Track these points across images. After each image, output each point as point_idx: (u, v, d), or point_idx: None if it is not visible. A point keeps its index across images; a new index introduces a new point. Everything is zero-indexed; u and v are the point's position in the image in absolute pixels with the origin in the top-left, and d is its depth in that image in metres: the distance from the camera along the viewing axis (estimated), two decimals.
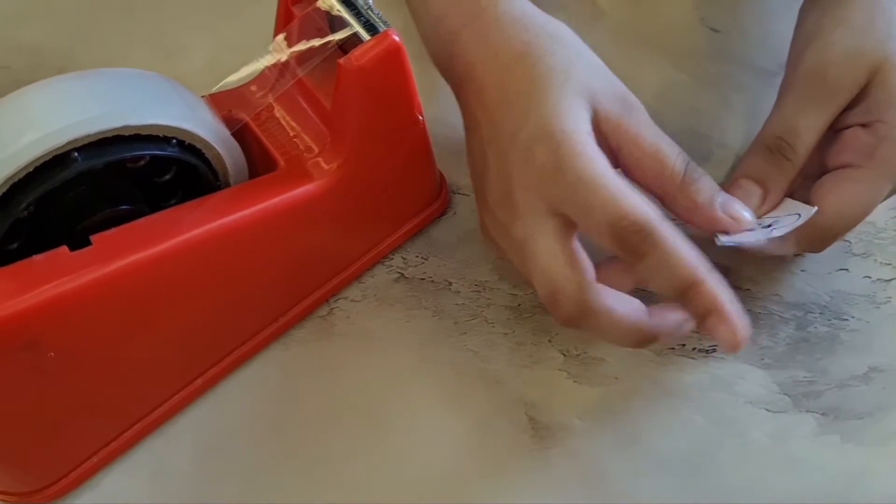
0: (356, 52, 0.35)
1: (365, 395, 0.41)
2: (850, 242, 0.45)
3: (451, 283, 0.44)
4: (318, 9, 0.36)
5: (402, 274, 0.44)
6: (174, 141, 0.34)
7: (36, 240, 0.33)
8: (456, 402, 0.41)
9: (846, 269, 0.44)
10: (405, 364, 0.42)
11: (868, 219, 0.45)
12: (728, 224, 0.36)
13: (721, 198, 0.36)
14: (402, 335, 0.43)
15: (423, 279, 0.44)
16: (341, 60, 0.35)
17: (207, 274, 0.37)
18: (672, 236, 0.34)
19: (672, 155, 0.36)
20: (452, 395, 0.41)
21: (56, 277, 0.32)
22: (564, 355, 0.42)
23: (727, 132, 0.47)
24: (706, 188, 0.36)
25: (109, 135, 0.32)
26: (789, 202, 0.40)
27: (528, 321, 0.43)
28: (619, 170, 0.36)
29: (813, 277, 0.44)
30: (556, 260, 0.35)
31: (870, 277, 0.44)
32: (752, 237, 0.37)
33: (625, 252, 0.34)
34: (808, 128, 0.38)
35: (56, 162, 0.31)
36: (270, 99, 0.39)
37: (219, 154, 0.36)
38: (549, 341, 0.43)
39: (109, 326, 0.35)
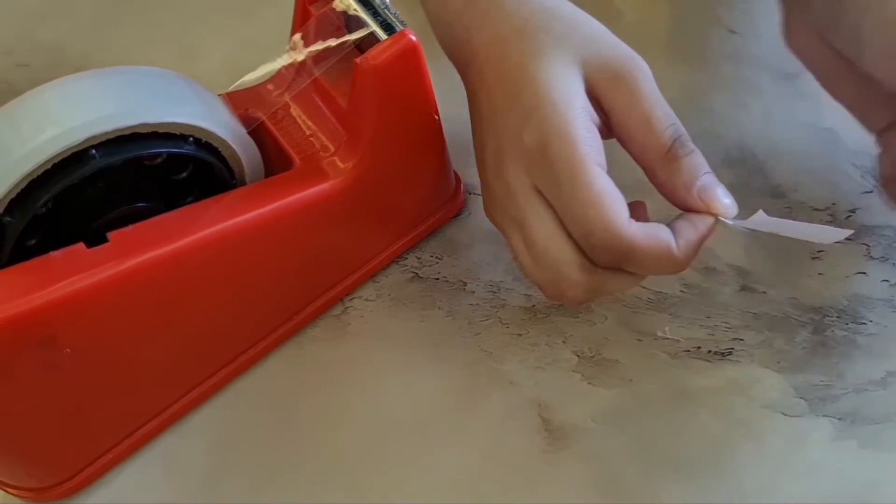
0: (372, 52, 0.35)
1: (378, 395, 0.41)
2: (869, 246, 0.45)
3: (465, 284, 0.44)
4: (335, 8, 0.37)
5: (417, 274, 0.44)
6: (191, 139, 0.34)
7: (54, 236, 0.34)
8: (469, 402, 0.41)
9: (864, 273, 0.44)
10: (419, 364, 0.42)
11: (887, 223, 0.45)
12: (700, 209, 0.35)
13: (703, 181, 0.35)
14: (416, 335, 0.43)
15: (438, 279, 0.44)
16: (357, 60, 0.35)
17: (223, 272, 0.37)
18: (646, 244, 0.33)
19: (661, 127, 0.35)
20: (466, 396, 0.41)
21: (73, 274, 0.32)
22: (579, 357, 0.42)
23: (744, 133, 0.47)
24: (689, 167, 0.35)
25: (127, 132, 0.32)
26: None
27: (543, 322, 0.43)
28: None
29: (831, 281, 0.44)
30: (554, 240, 0.35)
31: (888, 281, 0.44)
32: (760, 224, 0.36)
33: (598, 262, 0.35)
34: None
35: (74, 159, 0.32)
36: (287, 98, 0.39)
37: (235, 152, 0.36)
38: (564, 342, 0.42)
39: (125, 323, 0.35)
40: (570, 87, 0.35)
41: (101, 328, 0.34)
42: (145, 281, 0.34)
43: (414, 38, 0.35)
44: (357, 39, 0.36)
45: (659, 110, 0.35)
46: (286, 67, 0.38)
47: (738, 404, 0.41)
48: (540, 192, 0.35)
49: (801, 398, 0.41)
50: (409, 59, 0.36)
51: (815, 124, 0.47)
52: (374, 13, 0.36)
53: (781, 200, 0.45)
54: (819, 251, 0.45)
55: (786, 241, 0.44)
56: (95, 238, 0.33)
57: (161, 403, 0.40)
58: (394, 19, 0.36)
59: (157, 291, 0.35)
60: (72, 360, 0.34)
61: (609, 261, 0.34)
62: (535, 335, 0.43)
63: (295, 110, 0.40)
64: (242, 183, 0.38)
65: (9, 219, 0.32)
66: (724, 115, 0.48)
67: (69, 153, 0.31)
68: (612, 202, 0.33)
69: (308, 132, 0.39)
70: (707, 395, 0.41)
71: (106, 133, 0.32)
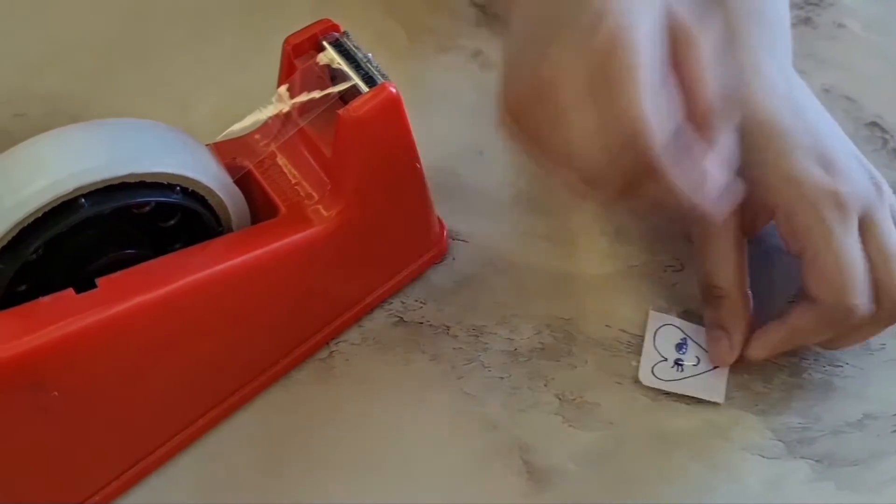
0: (354, 104, 0.36)
1: (363, 438, 0.42)
2: None
3: (449, 328, 0.45)
4: (319, 62, 0.38)
5: (402, 318, 0.45)
6: (178, 188, 0.35)
7: (44, 282, 0.34)
8: (452, 445, 0.42)
9: None
10: (403, 407, 0.43)
11: None
12: (697, 176, 0.35)
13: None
14: (401, 379, 0.43)
15: (422, 323, 0.45)
16: (340, 111, 0.36)
17: (210, 317, 0.38)
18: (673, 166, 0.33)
19: (711, 91, 0.34)
20: (448, 439, 0.42)
21: (61, 318, 0.32)
22: (560, 400, 0.43)
23: None
24: (722, 139, 0.35)
25: (115, 182, 0.33)
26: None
27: (525, 365, 0.44)
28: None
29: None
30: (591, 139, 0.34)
31: None
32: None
33: (618, 165, 0.34)
34: (716, 264, 0.42)
35: (64, 207, 0.33)
36: (273, 147, 0.40)
37: (221, 200, 0.37)
38: (545, 385, 0.43)
39: (113, 367, 0.36)
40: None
41: (90, 372, 0.35)
42: (133, 326, 0.35)
43: (394, 90, 0.37)
44: (340, 91, 0.38)
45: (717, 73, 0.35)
46: (272, 118, 0.39)
47: (716, 446, 0.41)
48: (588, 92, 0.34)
49: (779, 440, 0.42)
50: (390, 111, 0.37)
51: None
52: (357, 66, 0.37)
53: (758, 246, 0.46)
54: (796, 294, 0.45)
55: (764, 283, 0.45)
56: (84, 284, 0.34)
57: (148, 446, 0.40)
58: (375, 72, 0.37)
59: (145, 336, 0.36)
60: (60, 404, 0.34)
61: (633, 168, 0.34)
62: (517, 378, 0.43)
63: (281, 159, 0.41)
64: (229, 230, 0.39)
65: (0, 265, 0.33)
66: None
67: (59, 202, 0.32)
68: (659, 118, 0.33)
69: (293, 180, 0.40)
70: (686, 437, 0.42)
71: (95, 183, 0.33)
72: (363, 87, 0.37)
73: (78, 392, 0.35)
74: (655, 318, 0.44)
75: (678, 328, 0.44)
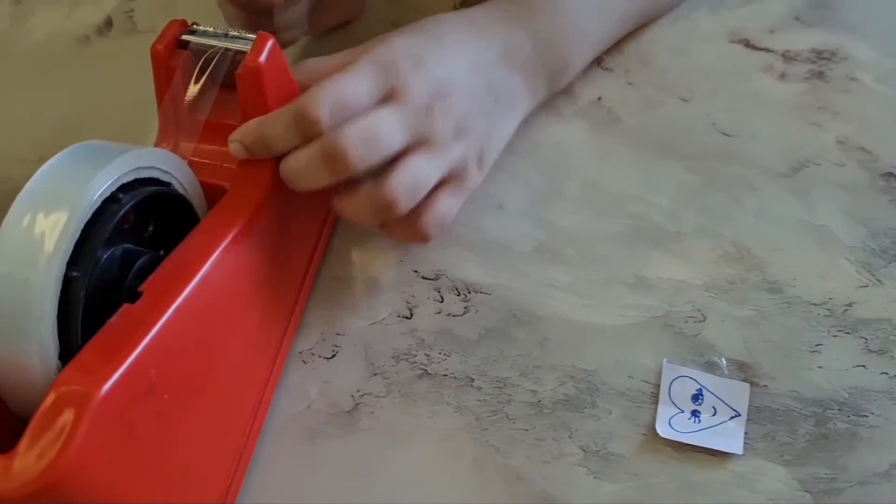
0: (248, 58, 0.39)
1: (389, 490, 0.42)
2: (867, 339, 0.46)
3: (472, 380, 0.45)
4: (192, 54, 0.41)
5: (426, 370, 0.46)
6: (137, 181, 0.37)
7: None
8: (477, 497, 0.42)
9: (863, 366, 0.45)
10: (428, 459, 0.43)
11: (884, 316, 0.46)
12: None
13: None
14: (425, 431, 0.44)
15: (446, 375, 0.45)
16: (238, 71, 0.39)
17: (240, 281, 0.41)
18: None
19: None
20: (474, 491, 0.42)
21: (139, 326, 0.34)
22: (584, 451, 0.43)
23: (740, 231, 0.49)
24: None
25: (101, 200, 0.35)
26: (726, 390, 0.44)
27: (549, 417, 0.44)
28: None
29: (830, 374, 0.45)
30: None
31: (887, 374, 0.45)
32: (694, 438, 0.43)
33: None
34: None
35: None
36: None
37: (169, 172, 0.39)
38: (570, 437, 0.43)
39: (192, 356, 0.38)
40: None
41: (179, 366, 0.37)
42: (190, 311, 0.36)
43: (273, 39, 0.40)
44: (241, 55, 0.40)
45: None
46: (166, 123, 0.42)
47: (743, 498, 0.41)
48: None
49: (806, 491, 0.41)
50: (277, 55, 0.40)
51: (809, 221, 0.49)
52: (228, 38, 0.41)
53: (779, 296, 0.47)
54: (818, 344, 0.46)
55: (784, 335, 0.45)
56: (129, 297, 0.35)
57: (244, 428, 0.43)
58: (243, 35, 0.40)
59: (200, 319, 0.38)
60: (172, 407, 0.36)
61: None
62: (542, 430, 0.44)
63: (196, 158, 0.43)
64: (191, 201, 0.41)
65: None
66: (720, 213, 0.50)
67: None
68: None
69: (218, 163, 0.42)
70: (712, 488, 0.42)
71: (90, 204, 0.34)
72: (244, 49, 0.39)
73: (179, 388, 0.37)
74: (670, 370, 0.45)
75: (693, 379, 0.44)
